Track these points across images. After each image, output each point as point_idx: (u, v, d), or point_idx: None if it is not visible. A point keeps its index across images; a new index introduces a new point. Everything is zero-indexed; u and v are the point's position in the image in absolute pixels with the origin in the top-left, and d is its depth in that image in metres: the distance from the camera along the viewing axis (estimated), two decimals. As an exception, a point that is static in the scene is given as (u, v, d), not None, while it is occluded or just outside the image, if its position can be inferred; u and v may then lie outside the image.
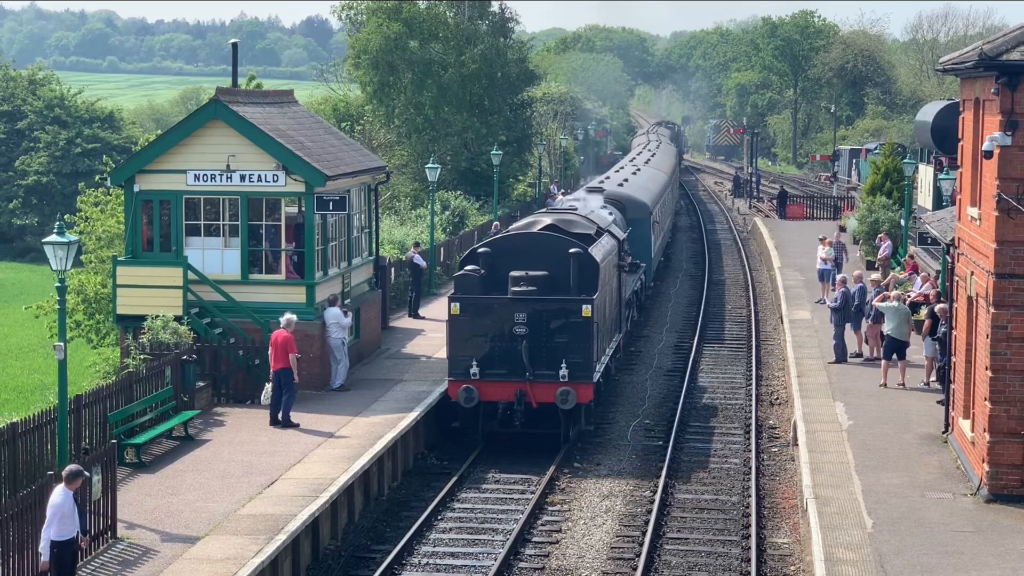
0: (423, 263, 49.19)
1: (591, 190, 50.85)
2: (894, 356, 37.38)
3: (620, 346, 41.50)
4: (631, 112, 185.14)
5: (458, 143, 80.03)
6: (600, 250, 36.33)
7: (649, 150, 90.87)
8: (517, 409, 33.08)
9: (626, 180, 58.57)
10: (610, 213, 44.81)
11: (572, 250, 34.12)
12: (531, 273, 33.52)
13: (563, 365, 32.92)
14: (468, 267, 34.48)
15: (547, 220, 37.99)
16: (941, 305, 36.06)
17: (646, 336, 49.99)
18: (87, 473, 21.56)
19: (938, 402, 34.56)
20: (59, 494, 20.86)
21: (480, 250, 35.19)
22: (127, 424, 30.09)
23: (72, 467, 21.66)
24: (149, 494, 27.50)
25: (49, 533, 20.73)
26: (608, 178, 61.94)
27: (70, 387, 26.75)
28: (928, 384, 36.74)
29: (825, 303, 45.14)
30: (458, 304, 33.31)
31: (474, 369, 33.10)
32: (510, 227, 42.23)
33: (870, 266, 54.72)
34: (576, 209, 41.74)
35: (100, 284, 43.17)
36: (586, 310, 33.06)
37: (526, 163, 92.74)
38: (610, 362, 38.51)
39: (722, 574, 26.06)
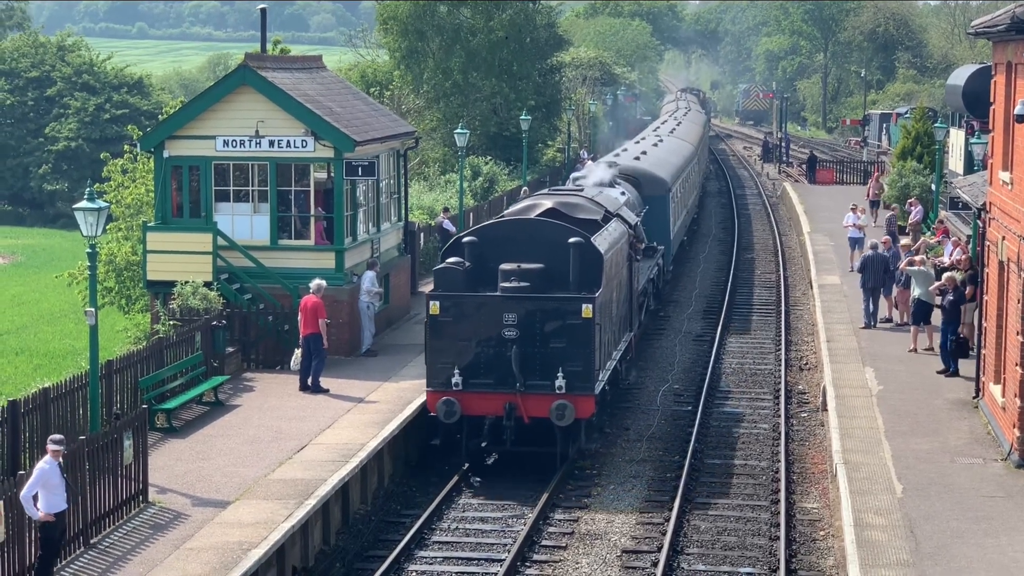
0: (452, 228, 49.08)
1: (606, 165, 44.68)
2: (922, 322, 37.32)
3: (632, 345, 36.47)
4: (660, 77, 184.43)
5: (487, 108, 79.95)
6: (606, 239, 31.53)
7: (675, 118, 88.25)
8: (506, 425, 28.52)
9: (644, 153, 54.62)
10: (622, 192, 40.48)
11: (572, 240, 29.18)
12: (524, 266, 28.78)
13: (560, 374, 28.17)
14: (451, 259, 29.70)
15: (548, 203, 33.19)
16: (948, 274, 36.01)
17: (675, 301, 49.88)
18: (63, 447, 21.22)
19: (938, 372, 34.65)
20: (45, 462, 20.87)
21: (465, 239, 30.25)
22: (158, 389, 30.27)
23: (54, 436, 21.61)
24: (180, 459, 27.66)
25: (29, 493, 20.57)
26: (625, 150, 57.94)
27: (101, 353, 26.88)
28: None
29: (854, 269, 45.01)
30: (438, 302, 28.78)
31: (456, 379, 28.51)
32: (505, 211, 37.09)
33: (901, 231, 54.48)
34: (582, 189, 37.43)
35: (130, 251, 43.32)
36: (587, 310, 28.30)
37: (555, 128, 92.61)
38: (619, 365, 33.46)
39: (751, 539, 26.10)
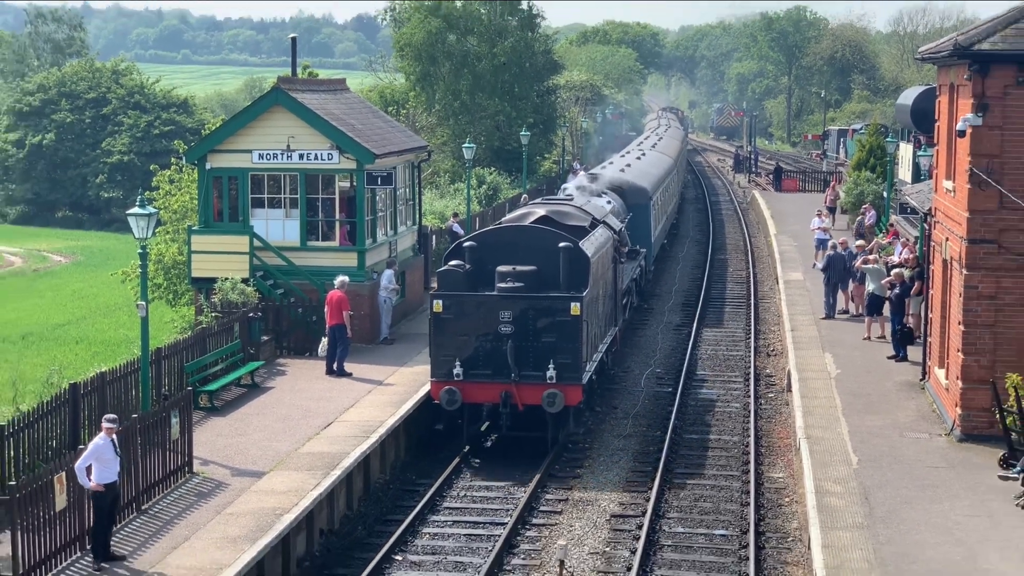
0: (461, 231, 49.07)
1: (592, 177, 44.50)
2: (875, 314, 37.37)
3: (617, 339, 36.08)
4: (644, 97, 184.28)
5: (491, 125, 79.85)
6: (593, 243, 31.17)
7: (657, 134, 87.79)
8: (503, 412, 28.21)
9: (628, 166, 53.75)
10: (608, 202, 39.69)
11: (562, 244, 28.86)
12: (518, 269, 28.46)
13: (551, 366, 27.84)
14: (452, 262, 29.50)
15: (541, 211, 32.81)
16: (897, 270, 36.10)
17: (657, 295, 49.85)
18: (116, 425, 21.24)
19: (888, 357, 34.64)
20: (100, 438, 20.90)
21: (466, 244, 29.92)
22: (201, 373, 30.30)
23: (109, 415, 21.65)
24: (220, 435, 27.72)
25: (82, 465, 20.61)
26: (612, 163, 57.28)
27: (151, 341, 26.90)
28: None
29: (817, 267, 44.99)
30: (440, 301, 28.42)
31: (457, 370, 28.22)
32: (502, 218, 36.06)
33: (858, 235, 54.44)
34: (572, 199, 36.82)
35: (177, 252, 43.34)
36: (575, 308, 27.90)
37: (551, 143, 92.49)
38: (605, 356, 33.23)
39: (724, 504, 26.14)
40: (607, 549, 23.75)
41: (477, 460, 28.71)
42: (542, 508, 25.85)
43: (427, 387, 30.13)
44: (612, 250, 34.35)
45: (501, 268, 28.57)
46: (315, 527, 23.76)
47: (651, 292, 48.94)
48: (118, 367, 27.57)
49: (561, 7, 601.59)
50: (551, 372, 27.95)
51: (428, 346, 29.58)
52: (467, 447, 28.96)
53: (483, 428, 29.43)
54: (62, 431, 24.93)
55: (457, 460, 28.12)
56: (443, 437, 29.32)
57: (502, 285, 28.36)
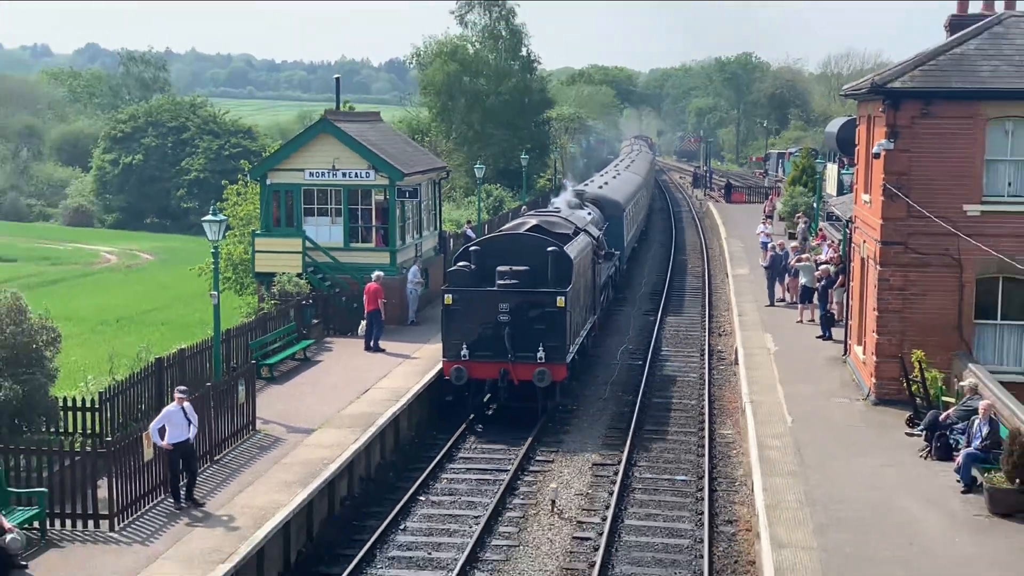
0: (472, 235, 48.94)
1: (576, 193, 43.23)
2: (807, 302, 37.35)
3: (596, 325, 35.56)
4: (620, 127, 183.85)
5: (497, 150, 79.58)
6: (575, 248, 30.66)
7: (630, 157, 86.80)
8: (501, 386, 27.93)
9: (606, 183, 53.21)
10: (589, 213, 39.17)
11: (550, 248, 28.71)
12: (514, 268, 28.10)
13: (540, 348, 27.58)
14: (460, 263, 29.09)
15: (533, 221, 32.49)
16: (824, 266, 36.12)
17: (629, 286, 49.69)
18: (188, 395, 21.14)
19: (817, 337, 34.65)
20: (173, 405, 20.84)
21: (471, 248, 29.54)
22: (262, 350, 30.30)
23: (180, 387, 21.60)
24: (278, 399, 27.73)
25: (155, 426, 20.57)
26: (593, 181, 56.67)
27: (222, 323, 26.90)
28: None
29: (762, 264, 44.95)
30: (451, 295, 27.99)
31: (464, 351, 27.90)
32: (503, 227, 35.06)
33: (792, 237, 54.38)
34: (559, 211, 36.44)
35: (243, 251, 43.28)
36: (560, 301, 27.63)
37: (545, 164, 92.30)
38: (585, 340, 32.63)
39: (684, 455, 26.15)
40: (590, 491, 23.77)
41: (480, 426, 28.43)
42: (536, 459, 25.83)
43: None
44: (592, 252, 33.91)
45: (500, 268, 28.25)
46: (355, 474, 23.79)
47: (625, 285, 48.76)
48: (195, 345, 27.59)
49: (553, 53, 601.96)
50: (541, 353, 27.66)
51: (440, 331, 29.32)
52: (472, 415, 28.52)
53: (485, 399, 29.08)
54: (149, 396, 24.97)
55: (463, 427, 27.93)
56: (453, 407, 29.18)
57: (501, 282, 28.04)
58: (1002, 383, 24.04)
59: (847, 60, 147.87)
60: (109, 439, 21.04)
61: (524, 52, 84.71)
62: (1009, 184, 26.06)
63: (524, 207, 59.86)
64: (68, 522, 19.66)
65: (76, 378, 29.29)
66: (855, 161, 32.71)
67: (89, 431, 23.14)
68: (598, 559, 19.90)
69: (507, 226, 34.29)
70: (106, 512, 19.64)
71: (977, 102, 25.62)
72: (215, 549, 18.62)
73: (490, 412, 29.28)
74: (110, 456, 19.77)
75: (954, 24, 28.56)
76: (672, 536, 21.45)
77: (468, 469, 25.16)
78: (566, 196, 41.80)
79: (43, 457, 19.95)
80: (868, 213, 28.61)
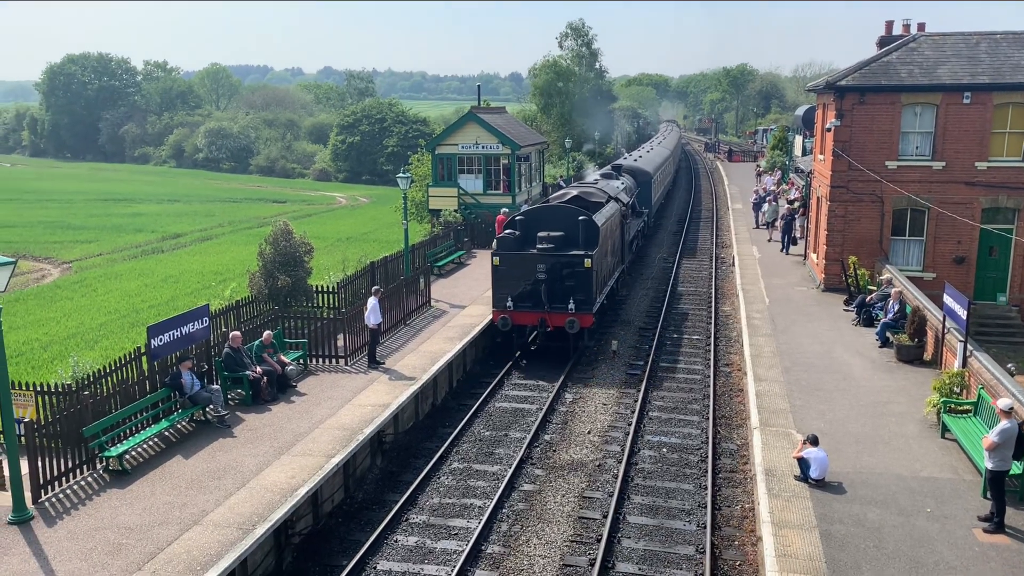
0: (563, 186, 48.14)
1: (614, 167, 36.45)
2: (771, 226, 36.19)
3: (624, 272, 29.25)
4: (659, 113, 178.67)
5: (579, 130, 78.49)
6: (604, 215, 24.76)
7: (663, 135, 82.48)
8: (539, 331, 22.61)
9: (640, 156, 46.87)
10: (622, 182, 32.34)
11: (580, 217, 22.93)
12: (551, 234, 22.43)
13: (571, 301, 21.97)
14: (507, 231, 22.99)
15: (574, 192, 26.44)
16: (789, 205, 34.96)
17: (654, 237, 48.68)
18: (380, 292, 20.25)
19: (780, 251, 33.33)
20: (372, 299, 20.35)
21: (517, 218, 23.29)
22: (434, 257, 30.50)
23: (375, 286, 21.09)
24: (444, 287, 27.87)
25: (370, 318, 19.71)
26: (630, 155, 49.56)
27: (409, 240, 27.13)
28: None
29: (751, 201, 43.70)
30: (499, 258, 22.21)
31: (509, 303, 22.21)
32: (550, 196, 27.53)
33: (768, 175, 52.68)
34: (597, 182, 29.95)
35: (422, 196, 43.53)
36: (588, 262, 21.96)
37: (610, 138, 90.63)
38: (614, 285, 26.89)
39: (699, 323, 25.77)
40: (636, 344, 23.34)
41: (524, 361, 22.68)
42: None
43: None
44: (620, 216, 27.69)
45: (540, 234, 22.67)
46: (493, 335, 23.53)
47: (650, 238, 43.52)
48: (392, 255, 27.86)
49: (616, 64, 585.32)
50: (571, 305, 22.12)
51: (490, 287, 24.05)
52: (518, 353, 22.94)
53: (527, 341, 23.50)
54: (367, 284, 25.41)
55: (509, 364, 22.23)
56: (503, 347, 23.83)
57: (539, 246, 22.46)
58: (908, 277, 23.50)
59: (810, 67, 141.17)
60: (343, 310, 21.61)
61: (598, 65, 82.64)
62: (916, 148, 24.99)
63: (595, 168, 58.05)
64: (320, 360, 20.20)
65: (322, 274, 30.12)
66: (814, 133, 31.48)
67: (332, 306, 23.74)
68: (642, 386, 20.06)
69: (554, 196, 27.28)
70: (342, 354, 20.24)
71: (896, 93, 24.55)
72: (408, 376, 19.05)
73: (533, 349, 23.68)
74: (344, 321, 20.27)
75: (882, 41, 27.25)
76: (690, 373, 21.35)
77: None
78: (607, 170, 36.37)
79: (305, 320, 20.46)
80: (822, 167, 27.65)
